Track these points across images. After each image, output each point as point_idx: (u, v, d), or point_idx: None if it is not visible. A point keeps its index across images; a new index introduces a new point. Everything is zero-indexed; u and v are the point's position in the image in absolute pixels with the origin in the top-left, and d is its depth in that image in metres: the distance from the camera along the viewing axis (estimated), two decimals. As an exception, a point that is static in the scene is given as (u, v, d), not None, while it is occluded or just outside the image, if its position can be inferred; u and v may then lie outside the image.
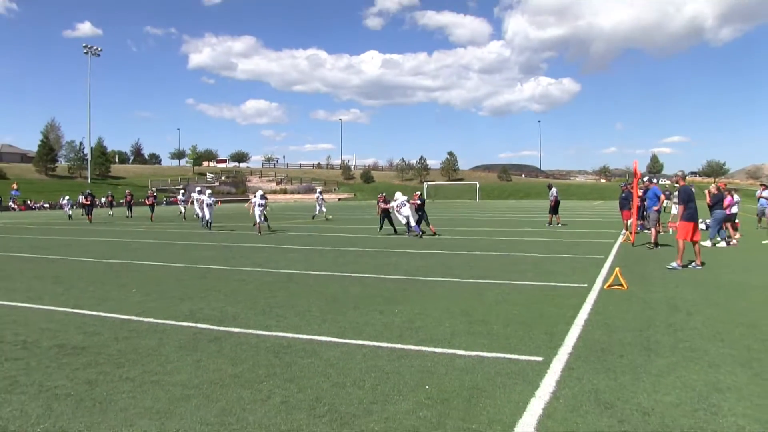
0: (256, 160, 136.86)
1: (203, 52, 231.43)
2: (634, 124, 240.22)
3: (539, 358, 5.80)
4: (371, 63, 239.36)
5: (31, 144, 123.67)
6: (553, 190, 26.22)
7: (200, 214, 27.97)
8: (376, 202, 23.88)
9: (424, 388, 4.94)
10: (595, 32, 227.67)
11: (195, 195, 29.36)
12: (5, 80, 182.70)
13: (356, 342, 6.52)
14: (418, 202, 22.09)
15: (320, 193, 37.63)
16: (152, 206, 37.20)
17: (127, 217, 38.38)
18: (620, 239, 18.92)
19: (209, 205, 26.32)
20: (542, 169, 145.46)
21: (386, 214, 22.76)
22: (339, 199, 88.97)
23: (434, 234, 21.04)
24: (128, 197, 40.72)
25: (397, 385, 5.03)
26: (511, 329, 7.02)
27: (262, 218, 23.61)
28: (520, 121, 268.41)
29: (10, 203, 63.55)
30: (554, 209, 25.99)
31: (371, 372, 5.41)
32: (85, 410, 4.54)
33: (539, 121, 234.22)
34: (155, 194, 41.82)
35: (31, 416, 4.45)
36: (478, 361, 5.74)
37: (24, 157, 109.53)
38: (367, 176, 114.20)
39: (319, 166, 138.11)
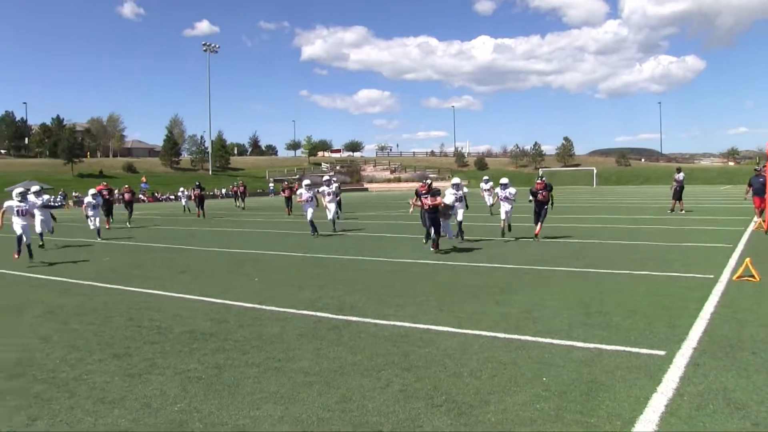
0: (369, 149, 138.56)
1: (315, 44, 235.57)
2: (766, 102, 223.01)
3: (661, 353, 5.59)
4: (482, 48, 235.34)
5: (157, 139, 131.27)
6: (681, 174, 24.88)
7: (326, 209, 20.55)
8: (415, 195, 14.31)
9: (542, 380, 4.91)
10: (722, 4, 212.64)
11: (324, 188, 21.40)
12: (134, 81, 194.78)
13: (473, 332, 6.54)
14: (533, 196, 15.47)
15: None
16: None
17: (240, 207, 38.82)
18: (751, 227, 17.71)
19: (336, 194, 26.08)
20: (663, 152, 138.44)
21: (434, 215, 13.64)
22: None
23: (536, 236, 15.50)
24: (240, 188, 41.27)
25: (514, 376, 5.02)
26: (631, 321, 6.81)
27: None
28: (638, 103, 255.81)
29: (140, 195, 67.93)
30: (678, 194, 24.69)
31: (488, 362, 5.43)
32: (215, 393, 4.86)
33: (659, 103, 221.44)
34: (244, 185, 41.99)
35: (169, 396, 4.82)
36: (597, 353, 5.62)
37: (151, 152, 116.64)
38: (480, 163, 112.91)
39: (432, 153, 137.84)
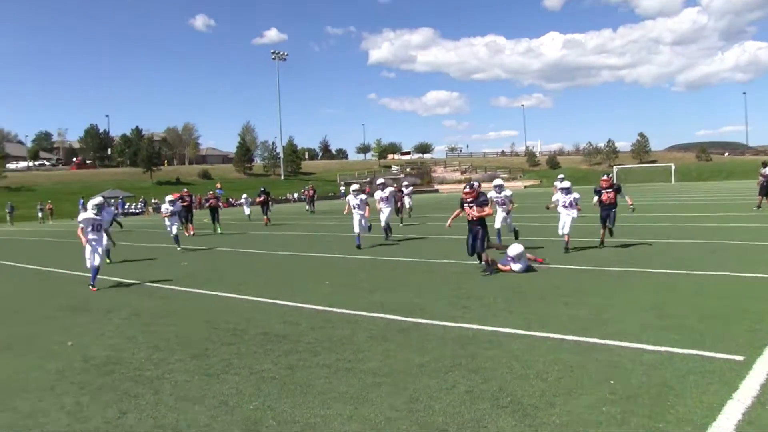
0: (439, 151, 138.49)
1: (382, 48, 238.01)
2: None
3: (740, 358, 5.41)
4: (552, 45, 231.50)
5: (230, 146, 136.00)
6: (767, 168, 23.72)
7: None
8: (460, 203, 11.41)
9: (609, 383, 4.88)
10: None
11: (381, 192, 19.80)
12: (207, 90, 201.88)
13: (541, 334, 6.53)
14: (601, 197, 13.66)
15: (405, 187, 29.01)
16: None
17: (310, 211, 39.07)
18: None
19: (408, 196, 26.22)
20: (750, 145, 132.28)
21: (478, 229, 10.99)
22: (525, 187, 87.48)
23: (601, 243, 13.77)
24: (310, 192, 41.46)
25: (580, 379, 5.01)
26: (706, 325, 6.62)
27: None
28: (719, 94, 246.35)
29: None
30: (765, 190, 23.45)
31: (555, 364, 5.43)
32: (288, 392, 5.06)
33: (744, 93, 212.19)
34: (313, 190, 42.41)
35: (244, 394, 5.06)
36: (668, 357, 5.52)
37: (225, 158, 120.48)
38: (552, 162, 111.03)
39: (503, 153, 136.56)
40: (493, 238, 11.90)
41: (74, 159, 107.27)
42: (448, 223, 12.36)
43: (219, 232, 25.21)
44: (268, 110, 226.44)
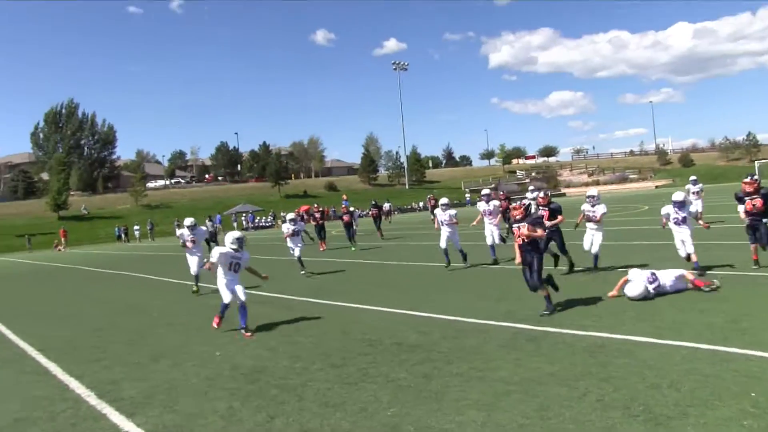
0: (564, 153, 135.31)
1: (502, 51, 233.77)
2: None
3: None
4: (680, 36, 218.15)
5: (354, 157, 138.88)
6: None
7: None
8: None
9: (750, 396, 4.80)
10: None
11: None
12: (330, 103, 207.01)
13: (674, 343, 6.44)
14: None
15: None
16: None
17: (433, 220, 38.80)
18: None
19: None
20: None
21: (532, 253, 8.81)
22: (656, 187, 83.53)
23: (755, 262, 10.85)
24: (432, 201, 40.75)
25: (717, 390, 4.95)
26: None
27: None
28: None
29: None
30: None
31: (689, 374, 5.38)
32: (423, 399, 5.36)
33: None
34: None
35: (382, 401, 5.41)
36: (815, 368, 5.31)
37: (350, 170, 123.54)
38: (685, 160, 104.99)
39: (631, 153, 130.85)
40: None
41: (206, 176, 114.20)
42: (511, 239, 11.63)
43: (353, 249, 23.34)
44: (391, 120, 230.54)
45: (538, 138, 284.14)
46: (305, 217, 24.65)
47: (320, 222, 24.58)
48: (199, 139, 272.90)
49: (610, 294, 9.28)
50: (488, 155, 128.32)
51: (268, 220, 66.25)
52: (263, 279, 9.92)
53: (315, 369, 6.71)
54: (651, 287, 8.91)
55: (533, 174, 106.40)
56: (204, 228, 15.85)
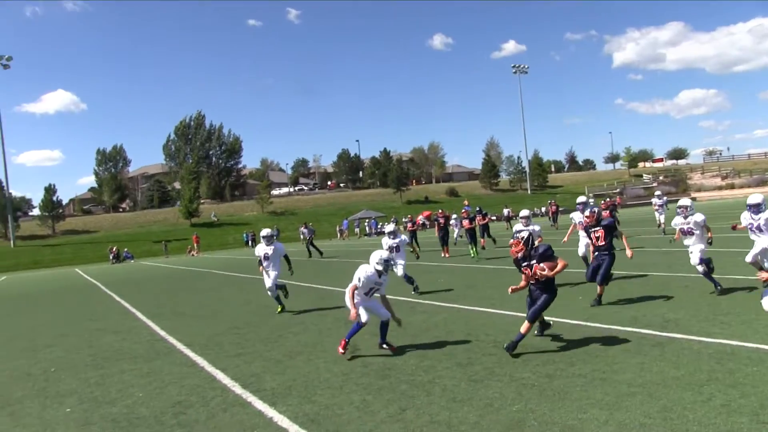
0: (695, 155, 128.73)
1: (627, 49, 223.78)
2: None
3: None
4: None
5: (475, 162, 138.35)
6: None
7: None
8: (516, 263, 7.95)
9: None
10: None
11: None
12: (449, 108, 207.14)
13: (810, 352, 6.29)
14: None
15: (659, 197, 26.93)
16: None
17: (554, 227, 37.12)
18: None
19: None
20: None
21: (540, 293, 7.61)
22: (801, 190, 77.50)
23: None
24: (553, 207, 40.43)
25: None
26: None
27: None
28: None
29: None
30: None
31: (824, 384, 5.29)
32: (546, 398, 5.60)
33: None
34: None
35: (507, 398, 5.70)
36: None
37: (471, 175, 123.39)
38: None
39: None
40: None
41: (329, 183, 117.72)
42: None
43: (473, 256, 21.95)
44: (511, 124, 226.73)
45: (667, 140, 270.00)
46: (439, 221, 24.52)
47: (445, 229, 24.55)
48: (321, 147, 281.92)
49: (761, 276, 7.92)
50: (613, 159, 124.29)
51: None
52: (397, 322, 8.47)
53: (442, 367, 7.07)
54: None
55: (660, 177, 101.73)
56: (282, 244, 14.03)
